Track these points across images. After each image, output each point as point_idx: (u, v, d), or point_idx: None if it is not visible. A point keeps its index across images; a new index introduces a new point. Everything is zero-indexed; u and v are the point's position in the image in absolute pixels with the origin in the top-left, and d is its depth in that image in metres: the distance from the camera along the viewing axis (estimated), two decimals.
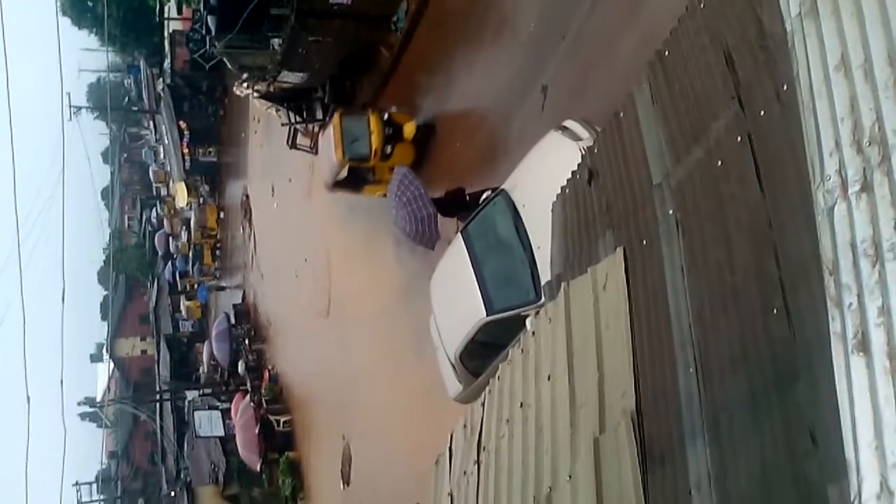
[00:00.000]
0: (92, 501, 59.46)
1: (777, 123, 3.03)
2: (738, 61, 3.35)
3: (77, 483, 53.82)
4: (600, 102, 8.68)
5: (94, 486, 60.64)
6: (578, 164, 5.01)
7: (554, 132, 9.22)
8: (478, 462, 5.34)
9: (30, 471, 21.61)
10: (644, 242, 3.93)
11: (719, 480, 3.04)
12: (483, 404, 5.61)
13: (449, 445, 6.42)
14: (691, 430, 3.25)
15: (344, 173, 17.02)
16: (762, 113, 3.14)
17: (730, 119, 3.34)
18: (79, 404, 52.06)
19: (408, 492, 12.94)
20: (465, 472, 5.63)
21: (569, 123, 9.14)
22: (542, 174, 8.51)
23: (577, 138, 8.69)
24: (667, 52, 3.92)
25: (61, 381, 23.41)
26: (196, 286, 50.15)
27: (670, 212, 3.73)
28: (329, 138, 17.07)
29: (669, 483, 3.35)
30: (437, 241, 13.10)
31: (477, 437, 5.51)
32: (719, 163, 3.36)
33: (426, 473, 7.38)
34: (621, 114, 4.35)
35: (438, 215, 12.84)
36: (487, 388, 5.64)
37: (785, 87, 2.98)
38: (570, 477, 3.98)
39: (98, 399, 61.27)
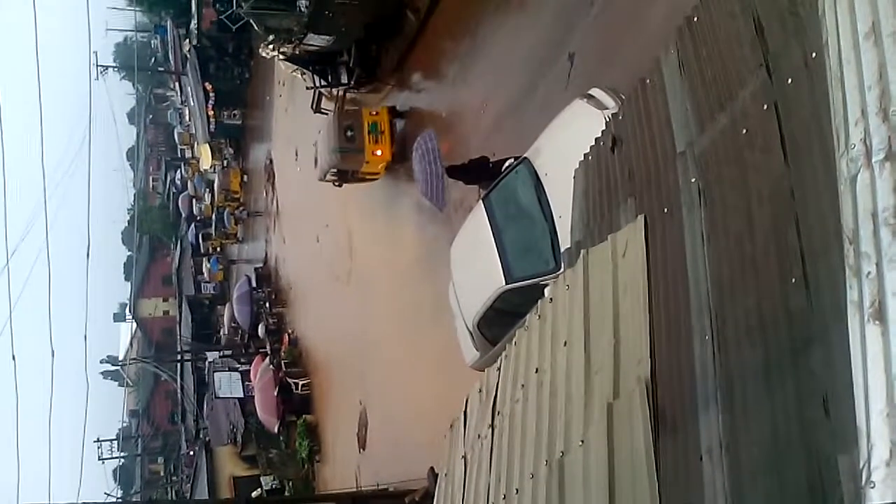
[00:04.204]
0: (112, 458, 60.62)
1: (804, 92, 2.99)
2: (767, 28, 3.31)
3: (98, 439, 54.93)
4: (628, 71, 8.59)
5: (115, 443, 61.81)
6: (602, 131, 4.99)
7: (579, 100, 9.15)
8: (492, 426, 5.39)
9: (52, 427, 22.07)
10: (665, 211, 3.92)
11: (730, 448, 3.06)
12: (499, 369, 5.65)
13: (464, 409, 6.48)
14: (704, 397, 3.27)
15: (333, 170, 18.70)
16: (789, 81, 3.11)
17: (757, 87, 3.30)
18: (101, 362, 52.95)
19: (422, 455, 13.10)
20: (479, 436, 5.68)
21: (595, 92, 9.06)
22: (566, 143, 8.47)
23: (602, 107, 8.61)
24: (696, 18, 3.87)
25: (85, 337, 23.80)
26: (219, 249, 50.55)
27: (693, 180, 3.71)
28: (326, 134, 18.36)
29: (681, 449, 3.37)
30: (443, 199, 13.22)
31: (492, 402, 5.56)
32: (744, 131, 3.34)
33: (441, 438, 7.46)
34: (647, 80, 4.31)
35: (448, 178, 12.91)
36: (504, 353, 5.67)
37: (813, 55, 2.94)
38: (582, 442, 4.02)
39: (120, 358, 62.22)
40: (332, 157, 18.72)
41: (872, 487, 2.00)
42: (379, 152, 18.16)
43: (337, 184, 20.12)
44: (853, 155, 2.39)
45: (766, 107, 3.21)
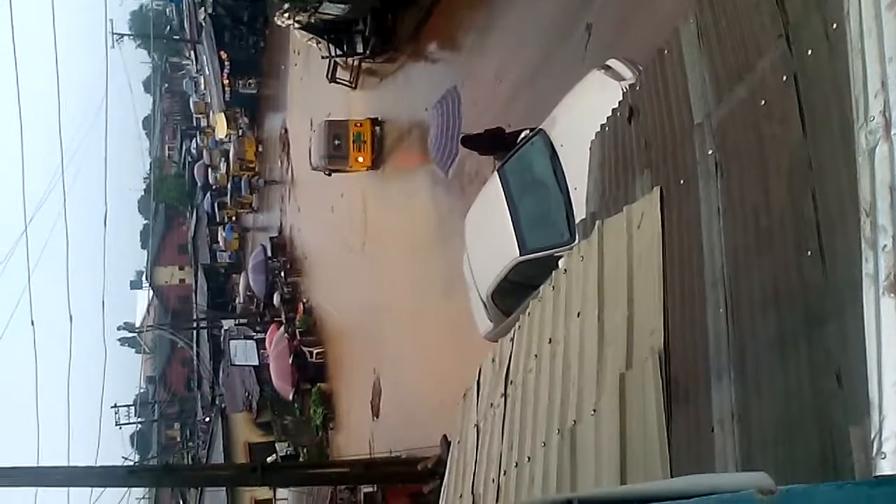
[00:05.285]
0: (130, 423, 61.42)
1: (824, 63, 2.96)
2: None
3: (116, 405, 55.63)
4: (646, 42, 8.51)
5: (132, 408, 62.60)
6: (619, 102, 4.96)
7: (596, 71, 9.08)
8: (505, 395, 5.44)
9: (71, 393, 22.38)
10: (681, 182, 3.91)
11: (742, 419, 3.07)
12: (512, 339, 5.69)
13: (477, 379, 6.54)
14: (717, 369, 3.28)
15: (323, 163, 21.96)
16: (809, 52, 3.08)
17: (776, 58, 3.27)
18: (118, 329, 53.47)
19: (435, 424, 13.21)
20: (491, 405, 5.73)
21: (612, 63, 8.98)
22: (582, 114, 8.42)
23: (619, 78, 8.54)
24: None
25: (102, 302, 24.05)
26: (234, 218, 50.74)
27: (710, 152, 3.69)
28: (318, 134, 21.67)
29: (693, 420, 3.39)
30: (452, 162, 13.25)
31: (505, 371, 5.60)
32: (762, 102, 3.31)
33: (454, 406, 7.53)
34: (665, 51, 4.27)
35: (462, 146, 12.91)
36: (517, 324, 5.70)
37: (834, 26, 2.91)
38: (594, 411, 4.05)
39: (137, 325, 62.78)
40: (322, 161, 22.20)
41: (883, 458, 2.01)
42: (361, 159, 21.40)
43: (326, 173, 23.45)
44: (872, 127, 2.38)
45: (785, 78, 3.18)
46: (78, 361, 23.65)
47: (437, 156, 13.43)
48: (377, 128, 21.51)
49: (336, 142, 21.31)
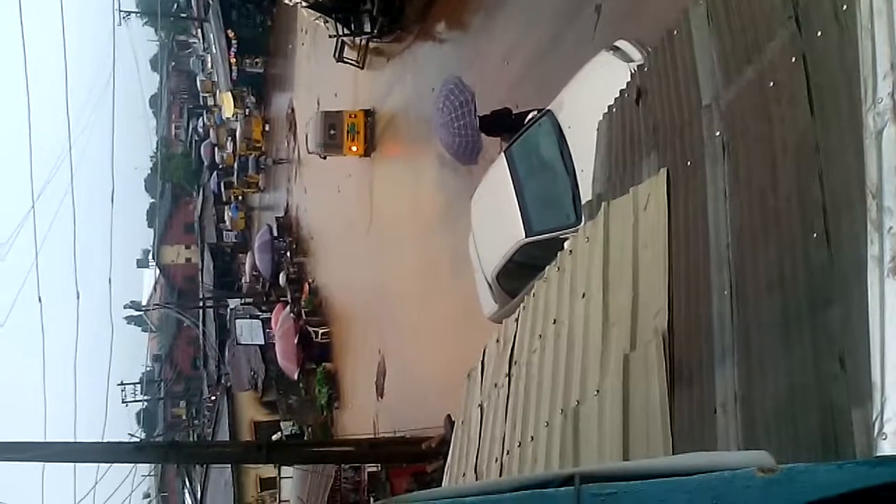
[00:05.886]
0: (136, 401, 61.77)
1: (833, 45, 2.95)
2: None
3: (122, 383, 55.95)
4: (655, 23, 8.45)
5: (139, 386, 62.92)
6: (627, 83, 4.94)
7: (605, 52, 9.03)
8: (509, 375, 5.46)
9: (78, 370, 22.50)
10: (688, 164, 3.90)
11: (745, 401, 3.08)
12: (517, 320, 5.70)
13: (481, 359, 6.56)
14: (721, 351, 3.29)
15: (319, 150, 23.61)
16: (819, 34, 3.06)
17: (786, 39, 3.25)
18: (125, 307, 53.64)
19: (439, 404, 13.26)
20: (495, 385, 5.76)
21: (621, 44, 8.93)
22: (590, 96, 8.38)
23: (628, 59, 8.50)
24: None
25: (109, 280, 24.15)
26: (240, 198, 50.75)
27: (717, 133, 3.68)
28: (315, 123, 23.34)
29: (696, 401, 3.41)
30: (478, 152, 13.06)
31: (509, 352, 5.62)
32: (771, 84, 3.30)
33: (457, 387, 7.56)
34: (674, 32, 4.25)
35: (480, 133, 12.77)
36: (522, 305, 5.71)
37: (844, 8, 2.89)
38: (598, 392, 4.06)
39: (143, 303, 62.96)
40: (318, 147, 23.77)
41: (884, 439, 2.03)
42: (354, 148, 23.06)
43: (322, 157, 24.93)
44: (880, 109, 2.37)
45: (794, 59, 3.17)
46: (85, 339, 23.78)
47: (458, 152, 13.27)
48: (369, 118, 23.14)
49: (332, 131, 22.91)
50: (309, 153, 25.60)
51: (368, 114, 23.21)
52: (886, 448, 2.01)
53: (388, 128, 22.40)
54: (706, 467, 1.54)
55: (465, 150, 13.15)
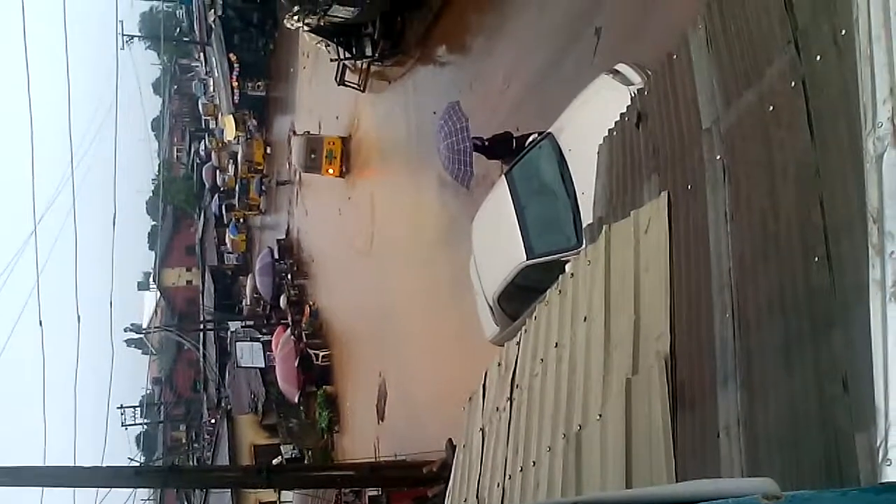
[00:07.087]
0: (136, 424, 61.47)
1: (832, 69, 2.96)
2: (796, 4, 3.26)
3: (122, 406, 55.71)
4: (655, 46, 8.50)
5: (138, 409, 62.64)
6: (628, 107, 4.96)
7: (605, 75, 9.08)
8: (510, 399, 5.44)
9: (78, 393, 22.41)
10: (689, 187, 3.91)
11: (748, 425, 3.07)
12: (518, 343, 5.68)
13: (482, 383, 6.53)
14: (723, 374, 3.28)
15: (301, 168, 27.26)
16: (818, 58, 3.08)
17: (785, 64, 3.27)
18: (125, 330, 53.54)
19: (440, 428, 13.20)
20: (497, 409, 5.73)
21: (621, 67, 8.99)
22: (591, 118, 8.42)
23: (628, 82, 8.55)
24: None
25: (110, 303, 24.12)
26: (242, 220, 50.81)
27: (718, 157, 3.69)
28: (299, 146, 26.56)
29: (699, 426, 3.39)
30: (470, 178, 13.28)
31: (511, 375, 5.60)
32: (771, 108, 3.31)
33: (459, 411, 7.53)
34: (674, 56, 4.28)
35: (474, 153, 12.90)
36: (523, 328, 5.70)
37: (843, 32, 2.91)
38: (600, 416, 4.04)
39: (144, 326, 62.84)
40: (299, 168, 28.49)
41: (889, 465, 2.01)
42: (331, 171, 26.14)
43: (303, 171, 28.70)
44: (880, 133, 2.38)
45: (793, 84, 3.18)
46: (85, 362, 23.71)
47: (455, 173, 13.50)
48: (345, 146, 26.21)
49: (312, 154, 25.96)
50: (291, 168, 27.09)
51: (345, 141, 26.14)
52: (891, 474, 1.99)
53: (388, 150, 22.47)
54: (710, 495, 1.53)
55: (461, 173, 13.35)
